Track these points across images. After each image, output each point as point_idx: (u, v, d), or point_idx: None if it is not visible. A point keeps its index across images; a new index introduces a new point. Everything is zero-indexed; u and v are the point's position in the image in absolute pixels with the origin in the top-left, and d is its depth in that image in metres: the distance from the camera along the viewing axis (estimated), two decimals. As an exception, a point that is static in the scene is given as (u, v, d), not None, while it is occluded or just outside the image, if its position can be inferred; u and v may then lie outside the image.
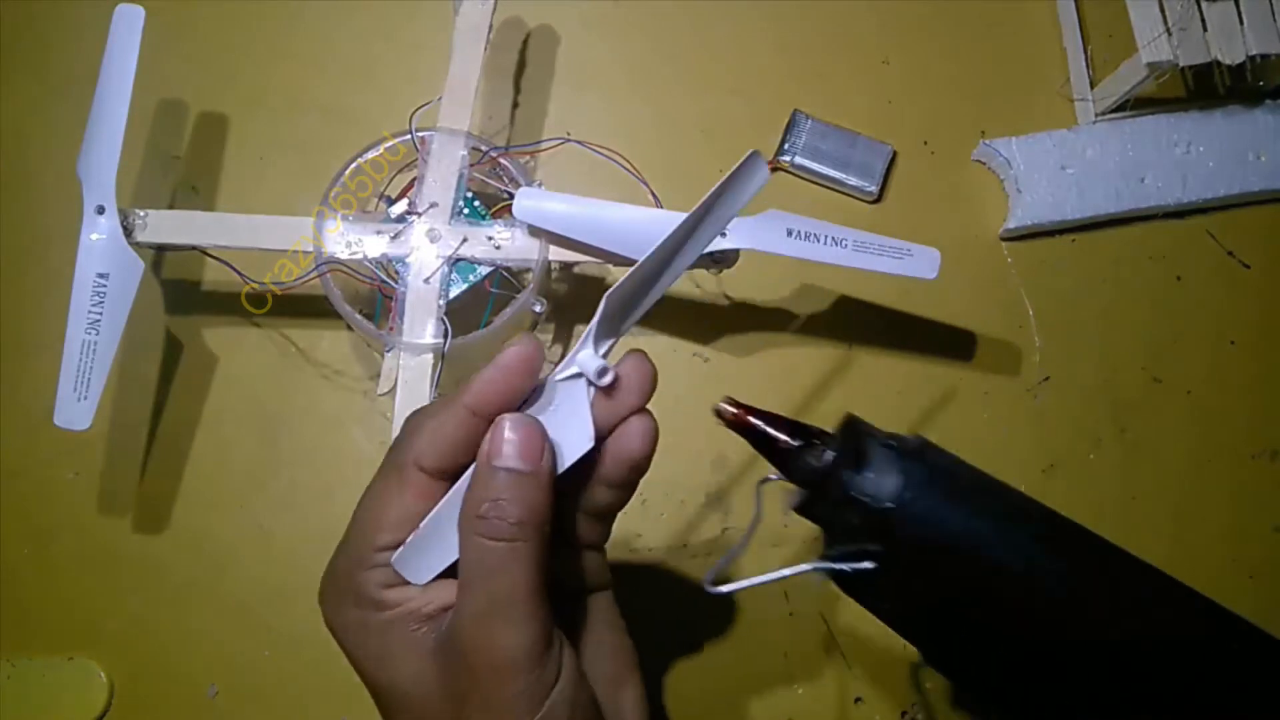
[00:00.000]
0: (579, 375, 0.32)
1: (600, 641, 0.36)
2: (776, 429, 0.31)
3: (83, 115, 0.45)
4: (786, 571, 0.31)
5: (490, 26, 0.49)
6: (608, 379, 0.32)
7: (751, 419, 0.31)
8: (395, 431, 0.43)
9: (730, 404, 0.31)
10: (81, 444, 0.51)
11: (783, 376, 0.54)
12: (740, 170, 0.30)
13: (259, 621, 0.50)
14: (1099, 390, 0.54)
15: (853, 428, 0.32)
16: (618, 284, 0.31)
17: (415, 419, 0.34)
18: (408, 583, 0.32)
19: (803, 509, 0.32)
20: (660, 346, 0.54)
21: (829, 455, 0.31)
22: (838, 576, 0.31)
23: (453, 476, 0.32)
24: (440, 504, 0.32)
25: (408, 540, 0.32)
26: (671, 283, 0.32)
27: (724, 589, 0.32)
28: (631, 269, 0.31)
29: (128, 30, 0.46)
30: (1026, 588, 0.30)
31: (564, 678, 0.32)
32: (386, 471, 0.33)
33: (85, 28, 0.55)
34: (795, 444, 0.31)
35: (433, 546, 0.32)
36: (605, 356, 0.32)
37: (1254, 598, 0.52)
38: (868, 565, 0.30)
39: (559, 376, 0.32)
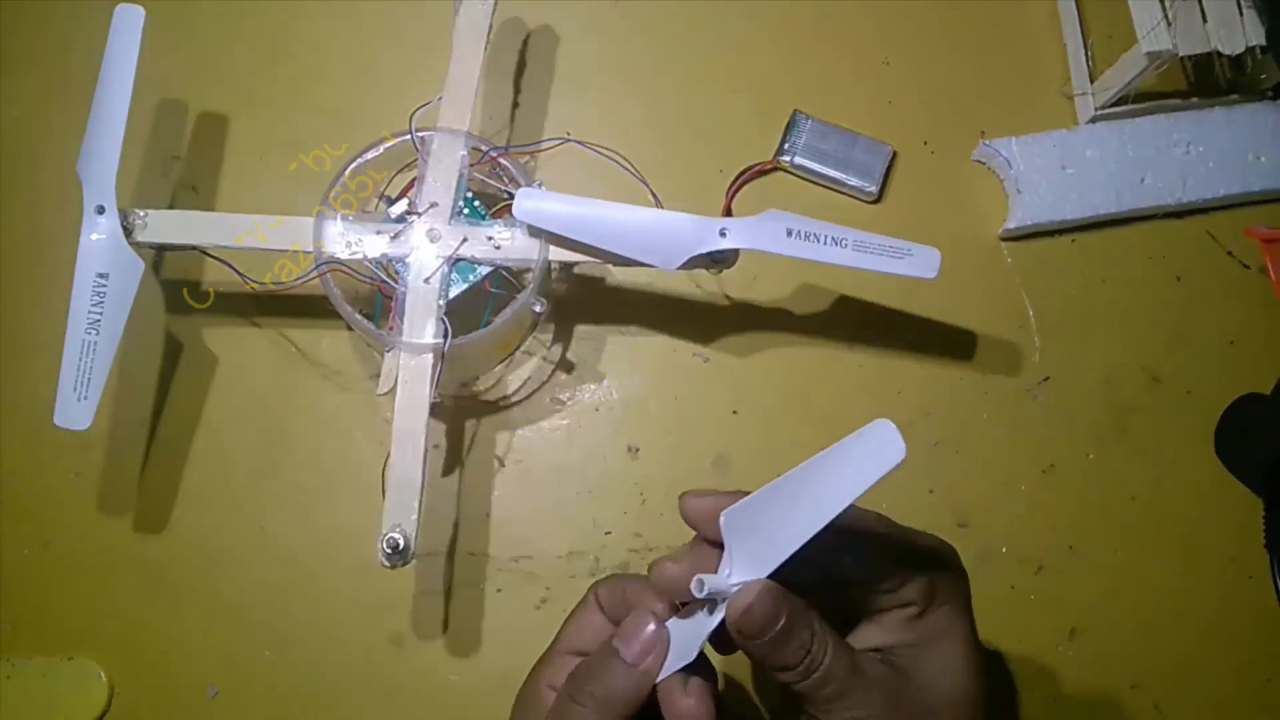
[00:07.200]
0: (710, 601, 0.33)
1: None
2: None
3: (83, 115, 0.45)
4: None
5: (490, 26, 0.49)
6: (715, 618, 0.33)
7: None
8: (397, 426, 0.43)
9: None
10: (81, 444, 0.51)
11: (783, 376, 0.54)
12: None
13: (259, 621, 0.50)
14: (1099, 390, 0.54)
15: None
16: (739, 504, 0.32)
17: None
18: None
19: None
20: (660, 346, 0.54)
21: None
22: None
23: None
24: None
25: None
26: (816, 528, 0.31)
27: None
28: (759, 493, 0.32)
29: (128, 30, 0.46)
30: None
31: None
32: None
33: (85, 28, 0.55)
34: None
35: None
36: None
37: (1254, 598, 0.52)
38: None
39: (701, 594, 0.32)
